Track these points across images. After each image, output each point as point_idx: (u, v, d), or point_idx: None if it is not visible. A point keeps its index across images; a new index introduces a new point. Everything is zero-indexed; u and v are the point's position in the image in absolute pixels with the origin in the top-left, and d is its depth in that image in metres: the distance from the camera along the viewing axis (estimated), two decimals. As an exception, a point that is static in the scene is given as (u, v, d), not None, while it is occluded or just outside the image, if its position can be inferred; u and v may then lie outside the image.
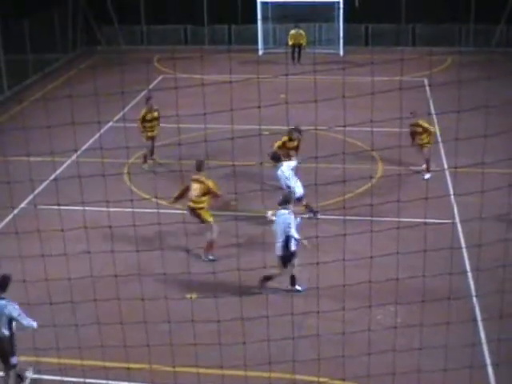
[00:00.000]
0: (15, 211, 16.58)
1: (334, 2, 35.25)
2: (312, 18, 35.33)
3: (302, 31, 34.00)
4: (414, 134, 20.74)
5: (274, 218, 14.87)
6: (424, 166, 20.65)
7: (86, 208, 16.05)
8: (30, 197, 19.27)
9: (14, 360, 12.00)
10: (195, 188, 16.20)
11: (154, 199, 18.40)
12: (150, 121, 21.56)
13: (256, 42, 36.16)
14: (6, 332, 11.92)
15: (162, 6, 37.28)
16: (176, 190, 18.04)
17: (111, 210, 15.97)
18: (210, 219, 16.08)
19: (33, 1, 32.16)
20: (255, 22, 36.14)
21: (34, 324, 12.09)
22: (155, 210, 17.70)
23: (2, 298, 11.96)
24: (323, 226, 16.60)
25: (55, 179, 20.03)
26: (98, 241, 14.71)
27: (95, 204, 16.52)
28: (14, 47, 30.56)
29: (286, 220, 14.33)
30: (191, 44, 37.55)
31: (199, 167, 16.36)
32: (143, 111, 21.60)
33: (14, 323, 11.96)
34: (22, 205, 18.95)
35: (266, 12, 36.23)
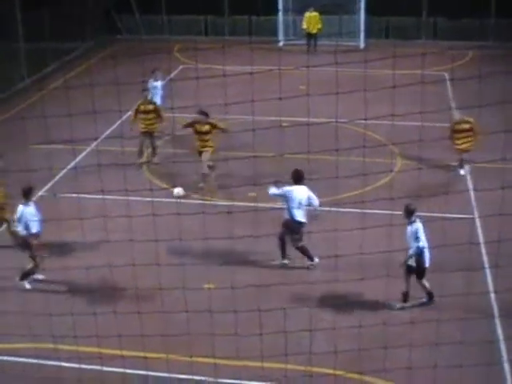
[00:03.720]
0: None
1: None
2: (333, 9, 35.20)
3: (316, 13, 34.16)
4: (457, 132, 20.07)
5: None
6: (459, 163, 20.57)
7: (105, 197, 16.12)
8: (49, 184, 19.38)
9: None
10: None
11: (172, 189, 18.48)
12: (145, 113, 21.44)
13: (276, 34, 36.11)
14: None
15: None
16: (195, 180, 18.10)
17: (130, 199, 16.03)
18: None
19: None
20: (276, 13, 36.09)
21: None
22: (173, 200, 17.79)
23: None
24: (341, 219, 16.58)
25: (74, 167, 20.10)
26: (116, 230, 14.75)
27: (114, 193, 16.60)
28: (34, 36, 30.63)
29: (414, 230, 13.87)
30: (211, 35, 37.55)
31: None
32: (138, 102, 21.51)
33: None
34: (41, 193, 19.02)
35: (286, 3, 36.19)
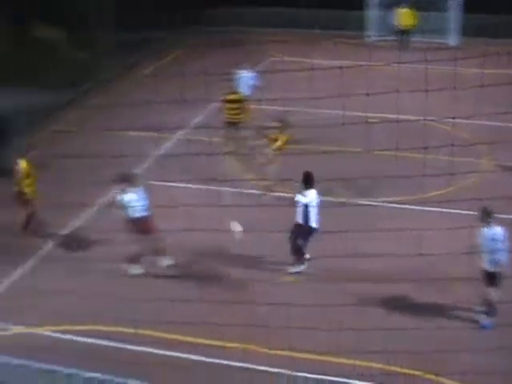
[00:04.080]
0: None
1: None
2: (424, 6, 34.67)
3: (411, 10, 33.75)
4: None
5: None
6: None
7: (190, 186, 16.31)
8: (137, 171, 19.62)
9: None
10: None
11: (256, 181, 18.55)
12: (231, 103, 21.19)
13: (364, 28, 35.81)
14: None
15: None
16: (279, 172, 18.14)
17: (215, 188, 16.19)
18: None
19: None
20: (363, 7, 35.78)
21: None
22: (257, 192, 17.84)
23: None
24: (426, 218, 16.39)
25: (162, 155, 20.35)
26: (201, 218, 14.86)
27: (199, 182, 16.78)
28: (124, 25, 31.13)
29: (492, 234, 13.06)
30: (299, 28, 37.45)
31: None
32: (225, 93, 21.50)
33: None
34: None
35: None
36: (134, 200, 14.95)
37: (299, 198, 14.77)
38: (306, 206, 14.76)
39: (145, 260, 15.14)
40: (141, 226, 14.91)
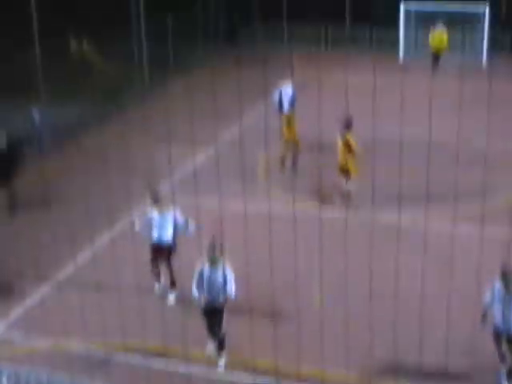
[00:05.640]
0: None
1: (478, 12, 34.33)
2: (456, 24, 34.29)
3: (444, 30, 33.11)
4: None
5: None
6: None
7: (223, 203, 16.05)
8: (167, 185, 19.61)
9: None
10: None
11: (289, 199, 18.15)
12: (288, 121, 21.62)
13: (397, 47, 35.68)
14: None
15: (302, 6, 37.03)
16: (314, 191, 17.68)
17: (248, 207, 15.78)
18: None
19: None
20: (397, 25, 35.65)
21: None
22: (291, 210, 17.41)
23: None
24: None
25: (194, 170, 20.24)
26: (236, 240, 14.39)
27: (230, 199, 16.58)
28: (157, 40, 31.46)
29: None
30: (331, 45, 37.50)
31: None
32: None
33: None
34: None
35: (409, 19, 35.64)
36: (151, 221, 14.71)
37: None
38: None
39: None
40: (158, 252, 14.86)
